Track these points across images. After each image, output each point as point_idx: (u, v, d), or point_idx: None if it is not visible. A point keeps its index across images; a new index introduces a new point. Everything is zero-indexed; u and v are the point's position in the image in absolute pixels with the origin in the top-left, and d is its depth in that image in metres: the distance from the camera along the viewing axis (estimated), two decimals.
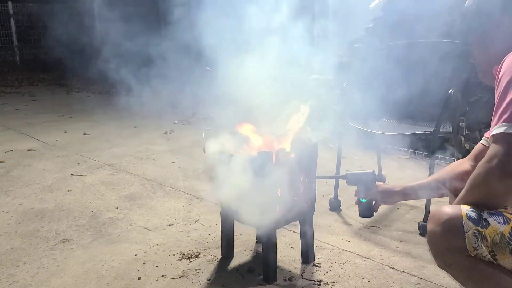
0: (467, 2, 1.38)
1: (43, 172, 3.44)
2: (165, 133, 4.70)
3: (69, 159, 3.76)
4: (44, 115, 5.75)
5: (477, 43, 1.38)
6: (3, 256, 2.17)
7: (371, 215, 1.65)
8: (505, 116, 1.16)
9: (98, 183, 3.17)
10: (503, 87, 1.18)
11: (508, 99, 1.16)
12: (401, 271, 2.00)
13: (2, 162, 3.69)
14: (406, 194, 1.60)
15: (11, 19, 11.23)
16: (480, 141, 1.50)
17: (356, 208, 2.65)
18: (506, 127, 1.15)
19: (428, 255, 1.39)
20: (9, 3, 11.14)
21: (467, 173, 1.30)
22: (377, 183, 1.62)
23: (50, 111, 6.07)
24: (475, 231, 1.19)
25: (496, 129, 1.17)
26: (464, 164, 1.54)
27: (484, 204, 1.21)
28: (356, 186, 1.65)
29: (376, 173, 3.10)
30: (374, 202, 1.64)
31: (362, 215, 1.65)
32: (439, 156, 3.42)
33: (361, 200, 1.62)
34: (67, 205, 2.79)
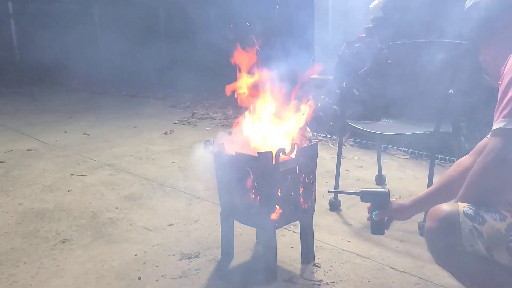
0: (472, 2, 1.38)
1: (43, 172, 3.44)
2: (165, 133, 4.70)
3: (69, 159, 3.76)
4: (44, 115, 5.75)
5: (486, 43, 1.38)
6: (3, 256, 2.17)
7: (383, 233, 1.64)
8: (505, 112, 1.18)
9: (98, 183, 3.17)
10: (505, 84, 1.20)
11: (509, 95, 1.18)
12: (401, 271, 2.00)
13: (2, 162, 3.69)
14: (418, 207, 1.59)
15: (11, 19, 11.23)
16: (486, 136, 1.50)
17: (356, 208, 2.67)
18: (505, 122, 1.17)
19: (428, 255, 1.39)
20: (9, 3, 11.14)
21: (469, 169, 1.30)
22: (390, 200, 1.61)
23: (50, 111, 6.07)
24: (471, 228, 1.20)
25: (496, 124, 1.19)
26: (467, 159, 1.54)
27: (482, 200, 1.22)
28: (370, 204, 1.63)
29: (378, 173, 3.11)
30: (386, 219, 1.63)
31: (374, 232, 1.64)
32: (439, 156, 3.42)
33: (373, 217, 1.61)
34: (67, 205, 2.79)
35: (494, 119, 1.21)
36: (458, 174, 1.51)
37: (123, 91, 7.81)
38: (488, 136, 1.46)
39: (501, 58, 1.29)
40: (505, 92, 1.20)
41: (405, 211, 1.60)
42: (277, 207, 1.87)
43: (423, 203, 1.57)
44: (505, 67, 1.24)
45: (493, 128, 1.20)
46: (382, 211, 1.59)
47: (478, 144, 1.54)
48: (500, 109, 1.20)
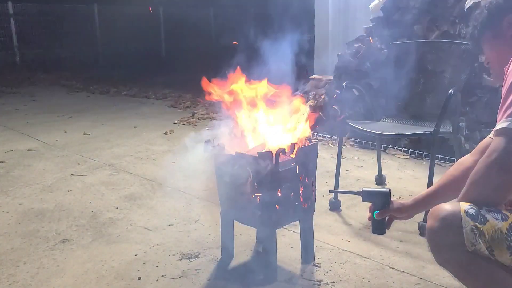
0: (472, 2, 1.38)
1: (43, 172, 3.44)
2: (165, 133, 4.70)
3: (69, 159, 3.76)
4: (44, 115, 5.75)
5: (489, 42, 1.38)
6: (3, 256, 2.17)
7: (384, 232, 1.64)
8: (509, 112, 1.17)
9: (98, 183, 3.17)
10: (509, 84, 1.20)
11: None
12: (401, 271, 2.00)
13: (2, 162, 3.69)
14: (419, 206, 1.58)
15: (11, 19, 11.24)
16: (489, 135, 1.49)
17: (356, 208, 2.67)
18: (509, 122, 1.16)
19: (428, 255, 1.39)
20: (9, 3, 11.15)
21: (471, 169, 1.30)
22: (391, 199, 1.60)
23: (50, 111, 6.07)
24: (473, 227, 1.19)
25: (499, 124, 1.18)
26: (469, 159, 1.54)
27: (484, 200, 1.22)
28: (371, 203, 1.63)
29: (378, 173, 3.11)
30: (387, 218, 1.63)
31: (375, 231, 1.63)
32: (439, 156, 3.42)
33: (374, 217, 1.61)
34: (67, 205, 2.79)
35: (498, 119, 1.21)
36: (459, 174, 1.51)
37: (123, 91, 7.81)
38: (491, 135, 1.45)
39: (504, 57, 1.28)
40: (509, 92, 1.19)
41: (406, 211, 1.59)
42: (277, 207, 1.87)
43: (424, 203, 1.57)
44: (508, 67, 1.24)
45: (496, 127, 1.19)
46: (383, 211, 1.58)
47: (480, 143, 1.54)
48: (504, 108, 1.19)
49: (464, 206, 1.23)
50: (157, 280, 1.95)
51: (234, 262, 2.10)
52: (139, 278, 1.97)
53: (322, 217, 2.55)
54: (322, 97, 4.33)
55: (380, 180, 3.08)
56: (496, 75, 1.37)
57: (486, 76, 3.23)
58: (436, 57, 2.76)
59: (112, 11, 12.97)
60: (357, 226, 2.47)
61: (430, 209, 1.30)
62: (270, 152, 1.79)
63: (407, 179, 3.22)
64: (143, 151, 4.02)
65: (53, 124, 5.23)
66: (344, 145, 3.95)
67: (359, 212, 2.62)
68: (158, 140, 4.46)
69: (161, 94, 7.33)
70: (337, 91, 4.04)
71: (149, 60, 11.95)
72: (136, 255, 2.17)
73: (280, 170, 1.81)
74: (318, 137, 4.26)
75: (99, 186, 3.11)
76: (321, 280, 1.93)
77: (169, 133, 4.71)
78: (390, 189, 1.61)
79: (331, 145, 4.09)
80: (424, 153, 3.60)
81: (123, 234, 2.40)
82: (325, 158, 3.66)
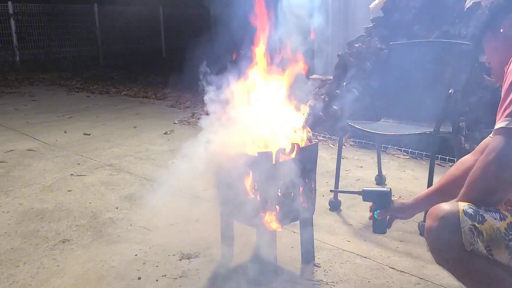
0: (472, 1, 1.38)
1: (43, 172, 3.44)
2: (165, 133, 4.70)
3: (69, 159, 3.76)
4: (44, 115, 5.76)
5: (490, 42, 1.38)
6: (3, 256, 2.17)
7: (385, 232, 1.64)
8: (508, 111, 1.17)
9: (98, 183, 3.17)
10: (508, 83, 1.20)
11: None
12: (401, 271, 2.00)
13: (2, 162, 3.70)
14: (420, 206, 1.58)
15: (11, 19, 11.24)
16: (490, 135, 1.50)
17: (356, 208, 2.67)
18: (507, 122, 1.16)
19: (428, 255, 1.39)
20: (9, 3, 11.14)
21: (471, 169, 1.30)
22: (392, 199, 1.60)
23: (50, 111, 6.07)
24: (471, 226, 1.20)
25: (498, 123, 1.19)
26: (470, 158, 1.54)
27: (482, 200, 1.22)
28: (372, 203, 1.63)
29: (378, 173, 3.12)
30: (388, 218, 1.63)
31: (376, 231, 1.63)
32: (439, 156, 3.42)
33: (375, 216, 1.60)
34: (67, 205, 2.79)
35: (497, 118, 1.21)
36: (460, 173, 1.51)
37: (123, 91, 7.81)
38: (491, 135, 1.46)
39: (505, 57, 1.29)
40: (508, 92, 1.19)
41: (407, 210, 1.60)
42: (277, 207, 1.87)
43: (425, 202, 1.57)
44: (508, 67, 1.24)
45: (495, 127, 1.20)
46: (384, 210, 1.59)
47: (481, 143, 1.54)
48: (503, 108, 1.19)
49: (463, 205, 1.23)
50: (157, 280, 1.95)
51: (234, 262, 2.10)
52: (139, 278, 1.97)
53: (322, 217, 2.55)
54: (322, 97, 4.33)
55: (380, 180, 3.08)
56: (497, 75, 1.37)
57: (486, 76, 3.23)
58: (436, 57, 2.75)
59: (112, 11, 12.97)
60: (357, 226, 2.47)
61: (429, 209, 1.30)
62: (270, 152, 1.79)
63: (407, 179, 3.22)
64: (143, 151, 4.02)
65: (53, 124, 5.23)
66: (344, 145, 3.96)
67: (359, 212, 2.62)
68: (158, 140, 4.46)
69: (161, 94, 7.33)
70: (337, 91, 4.04)
71: (149, 60, 11.97)
72: (136, 255, 2.17)
73: (280, 170, 1.81)
74: (318, 137, 4.26)
75: (99, 186, 3.12)
76: (321, 280, 1.93)
77: (169, 133, 4.71)
78: (390, 189, 1.61)
79: (331, 145, 4.09)
80: (424, 153, 3.60)
81: (123, 234, 2.40)
82: (325, 158, 3.66)
